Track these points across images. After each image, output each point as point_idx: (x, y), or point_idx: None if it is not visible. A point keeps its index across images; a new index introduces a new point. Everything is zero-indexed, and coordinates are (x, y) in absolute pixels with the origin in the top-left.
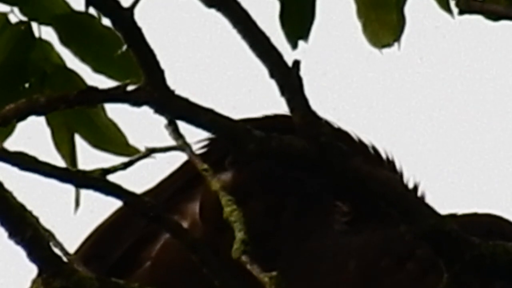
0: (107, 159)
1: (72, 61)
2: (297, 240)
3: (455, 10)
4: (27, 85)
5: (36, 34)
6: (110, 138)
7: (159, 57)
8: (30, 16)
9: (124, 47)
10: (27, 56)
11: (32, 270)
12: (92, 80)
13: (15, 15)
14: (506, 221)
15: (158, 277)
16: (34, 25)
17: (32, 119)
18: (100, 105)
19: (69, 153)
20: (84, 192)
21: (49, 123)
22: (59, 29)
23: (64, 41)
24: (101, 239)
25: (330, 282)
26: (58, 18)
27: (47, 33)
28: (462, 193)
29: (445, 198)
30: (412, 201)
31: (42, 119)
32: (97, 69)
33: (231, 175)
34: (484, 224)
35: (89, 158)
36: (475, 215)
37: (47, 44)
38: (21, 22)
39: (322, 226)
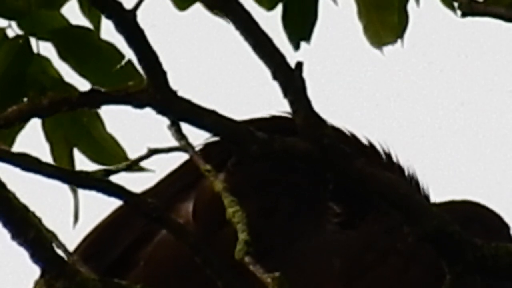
0: None
1: (71, 76)
2: (288, 241)
3: (458, 11)
4: (25, 99)
5: (34, 49)
6: (109, 152)
7: (162, 58)
8: (28, 31)
9: (123, 62)
10: (25, 70)
11: (35, 271)
12: None
13: (13, 30)
14: (485, 208)
15: (151, 276)
16: (32, 40)
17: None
18: (99, 119)
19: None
20: (86, 193)
21: (48, 138)
22: (57, 44)
23: (62, 56)
24: (99, 238)
25: (315, 281)
26: (56, 32)
27: (45, 48)
28: (466, 191)
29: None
30: (414, 202)
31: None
32: (95, 83)
33: (224, 176)
34: (463, 212)
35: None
36: (454, 203)
37: (45, 60)
38: (18, 36)
39: (314, 227)
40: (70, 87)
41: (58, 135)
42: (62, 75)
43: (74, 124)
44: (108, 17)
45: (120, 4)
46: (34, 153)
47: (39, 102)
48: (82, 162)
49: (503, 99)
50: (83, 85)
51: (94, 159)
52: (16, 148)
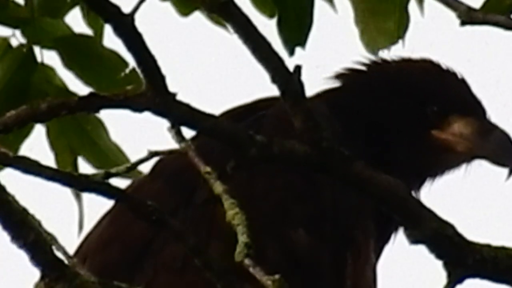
0: None
1: (75, 85)
2: None
3: (457, 21)
4: None
5: (38, 58)
6: (113, 161)
7: (160, 62)
8: (32, 39)
9: (127, 70)
10: (29, 80)
11: (34, 274)
12: None
13: (17, 39)
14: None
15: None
16: (36, 49)
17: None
18: (103, 127)
19: None
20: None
21: (52, 147)
22: (61, 52)
23: (67, 64)
24: None
25: None
26: (60, 40)
27: (49, 57)
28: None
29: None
30: (413, 206)
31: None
32: (100, 91)
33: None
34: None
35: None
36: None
37: (49, 69)
38: (22, 45)
39: None
40: (75, 97)
41: (63, 144)
42: (67, 84)
43: (79, 133)
44: (106, 21)
45: (118, 8)
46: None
47: (38, 107)
48: (87, 171)
49: (503, 105)
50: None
51: (98, 167)
52: (32, 140)
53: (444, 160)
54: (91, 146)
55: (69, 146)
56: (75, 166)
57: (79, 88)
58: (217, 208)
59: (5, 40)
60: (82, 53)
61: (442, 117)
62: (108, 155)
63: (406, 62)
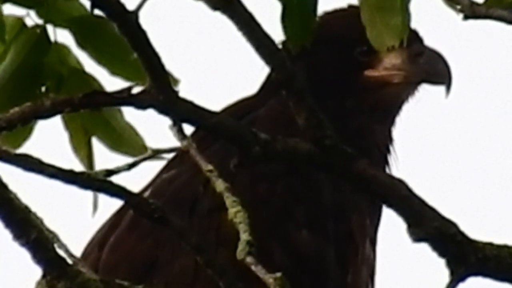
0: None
1: (89, 64)
2: None
3: (460, 15)
4: (43, 88)
5: (52, 38)
6: (127, 141)
7: (164, 60)
8: (46, 19)
9: None
10: (43, 60)
11: (36, 272)
12: (109, 83)
13: (31, 19)
14: None
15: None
16: (50, 29)
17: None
18: (118, 107)
19: (87, 157)
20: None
21: (67, 127)
22: (76, 32)
23: (80, 44)
24: None
25: None
26: (75, 20)
27: (64, 36)
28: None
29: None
30: (416, 204)
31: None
32: (113, 72)
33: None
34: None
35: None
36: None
37: (64, 48)
38: (36, 25)
39: None
40: (89, 76)
41: (77, 124)
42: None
43: (93, 113)
44: (111, 18)
45: (123, 6)
46: (53, 142)
47: (42, 104)
48: (101, 151)
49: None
50: (101, 74)
51: (112, 147)
52: (35, 137)
53: (386, 95)
54: (105, 127)
55: (83, 127)
56: (89, 146)
57: (94, 68)
58: (223, 216)
59: (20, 20)
60: (96, 34)
61: (371, 55)
62: (122, 136)
63: (323, 17)
